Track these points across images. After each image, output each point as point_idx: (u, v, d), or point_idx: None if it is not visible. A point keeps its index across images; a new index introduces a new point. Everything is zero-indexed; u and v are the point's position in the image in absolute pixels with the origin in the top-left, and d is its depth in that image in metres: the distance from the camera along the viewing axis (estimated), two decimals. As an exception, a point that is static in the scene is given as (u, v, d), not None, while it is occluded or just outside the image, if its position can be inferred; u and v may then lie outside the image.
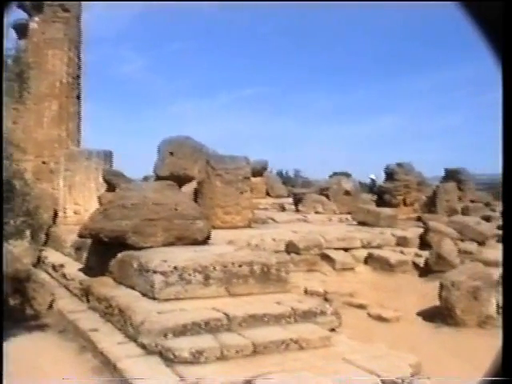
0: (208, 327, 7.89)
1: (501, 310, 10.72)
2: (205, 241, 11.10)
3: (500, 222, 21.54)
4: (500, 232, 19.83)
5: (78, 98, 22.77)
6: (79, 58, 22.84)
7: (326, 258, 14.85)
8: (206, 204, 16.13)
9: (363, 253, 15.53)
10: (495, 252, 16.74)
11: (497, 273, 11.69)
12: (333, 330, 8.96)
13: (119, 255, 10.36)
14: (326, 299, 11.44)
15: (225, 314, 8.23)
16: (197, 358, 7.13)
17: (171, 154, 20.80)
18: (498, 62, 2.20)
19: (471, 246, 16.63)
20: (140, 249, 10.13)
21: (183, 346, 7.26)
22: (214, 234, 12.10)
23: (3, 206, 8.24)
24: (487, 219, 21.93)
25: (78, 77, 22.81)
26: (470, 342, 9.64)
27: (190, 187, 18.45)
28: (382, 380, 6.93)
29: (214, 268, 9.30)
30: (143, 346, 7.61)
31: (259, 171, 28.24)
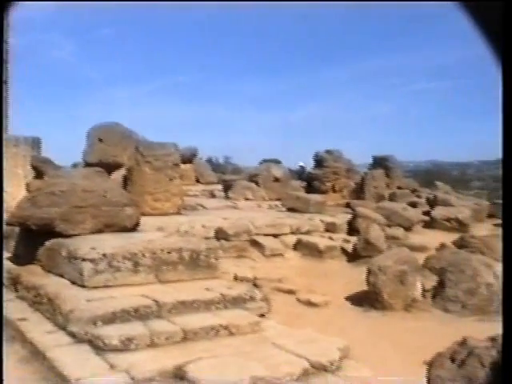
0: (138, 314, 7.83)
1: (426, 293, 11.00)
2: (134, 228, 10.99)
3: (425, 208, 22.11)
4: (425, 217, 20.37)
5: (5, 83, 22.15)
6: (5, 42, 22.16)
7: (256, 244, 14.90)
8: (136, 191, 15.94)
9: (292, 239, 15.64)
10: (421, 237, 17.18)
11: (422, 257, 11.98)
12: (262, 315, 9.01)
13: (48, 243, 10.15)
14: (255, 285, 11.48)
15: (154, 300, 8.18)
16: (127, 345, 7.07)
17: (100, 140, 20.45)
18: (497, 62, 2.20)
19: (398, 232, 16.97)
20: (69, 236, 9.95)
21: (113, 333, 7.19)
22: (144, 220, 11.99)
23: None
24: (413, 205, 22.44)
25: (4, 61, 22.14)
26: (397, 325, 9.83)
27: (119, 174, 18.21)
28: (311, 364, 7.00)
29: (144, 255, 9.23)
30: (73, 335, 7.49)
31: (189, 158, 28.09)
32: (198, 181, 29.75)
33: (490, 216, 23.02)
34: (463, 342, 3.29)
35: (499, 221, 21.60)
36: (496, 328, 3.61)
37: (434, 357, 3.37)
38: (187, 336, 7.52)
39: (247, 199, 23.77)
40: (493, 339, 3.20)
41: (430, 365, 3.32)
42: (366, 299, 11.00)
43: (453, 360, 3.23)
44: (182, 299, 8.37)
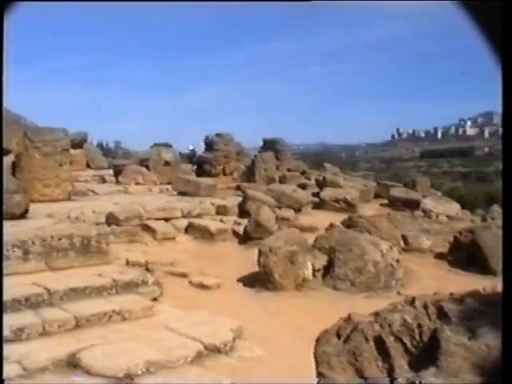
0: (29, 303, 7.68)
1: (316, 273, 11.28)
2: (23, 215, 10.74)
3: (314, 190, 22.56)
4: (314, 199, 20.80)
5: None
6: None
7: (147, 228, 14.80)
8: (24, 177, 15.48)
9: (184, 222, 15.64)
10: (310, 218, 17.55)
11: (312, 238, 12.26)
12: (155, 299, 9.02)
13: None
14: (147, 269, 11.42)
15: (46, 288, 8.04)
16: (18, 335, 6.95)
17: (-15, 125, 19.67)
18: (497, 62, 2.21)
19: (288, 213, 17.26)
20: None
21: (3, 324, 7.00)
22: (33, 207, 11.73)
23: None
24: (303, 187, 22.82)
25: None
26: (288, 305, 10.05)
27: (7, 160, 17.60)
28: (204, 346, 7.08)
29: (33, 242, 9.04)
30: (-41, 327, 7.24)
31: (79, 143, 27.55)
32: (88, 166, 29.23)
33: (377, 196, 23.75)
34: (348, 318, 3.45)
35: (385, 201, 22.39)
36: (382, 304, 3.78)
37: (320, 334, 3.50)
38: (80, 323, 7.45)
39: (138, 184, 23.57)
40: (376, 314, 3.37)
41: (317, 342, 3.45)
42: (258, 280, 11.16)
43: (339, 336, 3.38)
44: (73, 286, 8.27)
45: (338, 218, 15.30)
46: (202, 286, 11.16)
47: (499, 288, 3.68)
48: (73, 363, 6.31)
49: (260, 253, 11.14)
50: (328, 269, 11.34)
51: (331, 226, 13.22)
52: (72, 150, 19.20)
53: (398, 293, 10.60)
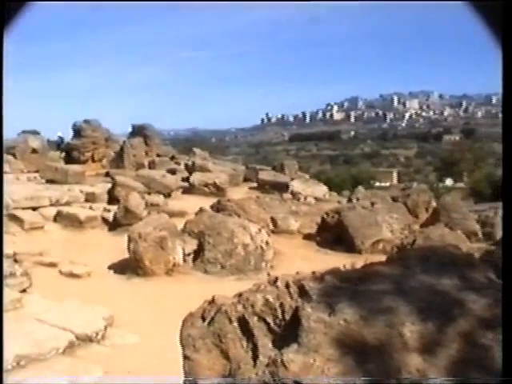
0: None
1: (186, 257, 11.40)
2: None
3: (184, 174, 22.65)
4: (184, 183, 20.89)
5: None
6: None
7: (14, 218, 14.39)
8: None
9: (52, 211, 15.33)
10: (180, 203, 17.63)
11: (182, 222, 12.35)
12: (24, 291, 8.83)
13: None
14: (15, 260, 11.13)
15: None
16: None
17: None
18: (499, 53, 2.28)
19: (158, 199, 17.28)
20: None
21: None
22: None
23: None
24: (173, 172, 22.86)
25: None
26: (159, 290, 10.09)
27: None
28: (76, 336, 7.04)
29: None
30: None
31: None
32: None
33: (246, 180, 24.13)
34: (212, 301, 3.52)
35: (254, 184, 22.80)
36: (250, 285, 3.91)
37: (185, 317, 3.58)
38: None
39: (4, 172, 22.78)
40: (239, 295, 3.48)
41: (183, 325, 3.52)
42: (129, 267, 11.13)
43: (203, 319, 3.45)
44: None
45: (207, 203, 15.43)
46: (72, 275, 11.00)
47: (358, 265, 3.93)
48: None
49: (129, 239, 11.10)
50: (198, 253, 11.46)
51: (201, 210, 13.36)
52: None
53: (268, 274, 10.83)
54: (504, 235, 2.70)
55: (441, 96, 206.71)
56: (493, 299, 3.17)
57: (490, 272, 3.54)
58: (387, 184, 58.89)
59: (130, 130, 31.02)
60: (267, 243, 11.89)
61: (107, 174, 22.70)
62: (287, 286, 3.43)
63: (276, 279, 3.57)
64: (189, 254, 11.43)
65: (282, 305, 3.32)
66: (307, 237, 14.60)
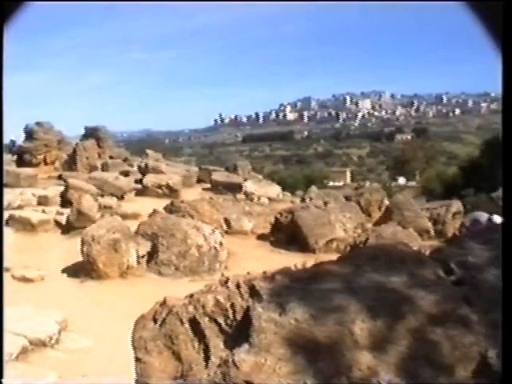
0: None
1: (140, 259, 11.38)
2: None
3: (137, 176, 22.57)
4: (137, 185, 20.83)
5: None
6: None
7: (-36, 222, 14.18)
8: None
9: (4, 215, 15.14)
10: (134, 205, 17.57)
11: (135, 224, 12.33)
12: (-27, 296, 8.72)
13: None
14: (-35, 266, 10.99)
15: None
16: None
17: None
18: (498, 61, 2.27)
19: (111, 201, 17.18)
20: None
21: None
22: None
23: None
24: (126, 174, 22.75)
25: None
26: (113, 292, 10.06)
27: None
28: (29, 341, 7.01)
29: None
30: None
31: None
32: None
33: (200, 181, 24.14)
34: (163, 302, 3.53)
35: (208, 185, 22.84)
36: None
37: (137, 319, 3.58)
38: None
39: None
40: (191, 296, 3.50)
41: (134, 327, 3.53)
42: (83, 270, 11.06)
43: (155, 320, 3.45)
44: None
45: (161, 204, 15.41)
46: (25, 280, 10.90)
47: (309, 264, 3.99)
48: None
49: (83, 242, 11.03)
50: (152, 255, 11.45)
51: (154, 212, 13.35)
52: None
53: (222, 275, 10.87)
54: (504, 234, 2.74)
55: (392, 96, 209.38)
56: (441, 295, 3.26)
57: (438, 269, 3.60)
58: (341, 183, 59.35)
59: (82, 132, 30.80)
60: (221, 244, 11.94)
61: (60, 177, 22.48)
62: (238, 286, 3.45)
63: (227, 280, 3.59)
64: (142, 256, 11.41)
65: (232, 305, 3.33)
66: (261, 237, 14.69)
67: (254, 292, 3.37)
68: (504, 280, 2.71)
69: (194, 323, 3.37)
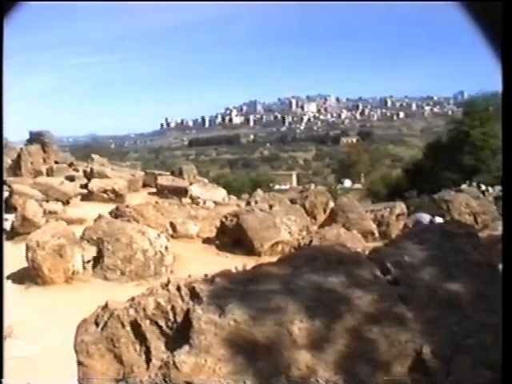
0: None
1: (86, 265, 11.37)
2: None
3: (83, 181, 22.42)
4: (83, 190, 20.69)
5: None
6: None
7: None
8: None
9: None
10: (79, 210, 17.47)
11: (81, 230, 12.29)
12: None
13: None
14: None
15: None
16: None
17: None
18: (497, 61, 2.27)
19: (56, 206, 17.06)
20: None
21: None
22: None
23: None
24: (71, 179, 22.55)
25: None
26: (59, 299, 9.99)
27: None
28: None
29: None
30: None
31: None
32: None
33: (146, 185, 24.10)
34: (105, 306, 3.52)
35: (154, 189, 22.83)
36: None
37: (79, 323, 3.66)
38: None
39: None
40: (132, 299, 3.51)
41: (76, 332, 3.55)
42: (27, 276, 10.95)
43: (97, 324, 3.46)
44: None
45: (106, 209, 15.35)
46: (-33, 287, 10.78)
47: (249, 266, 4.09)
48: None
49: (27, 248, 10.92)
50: (98, 260, 11.41)
51: (99, 217, 13.33)
52: None
53: (168, 279, 10.95)
54: (504, 235, 2.69)
55: (338, 99, 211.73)
56: (377, 295, 3.36)
57: (375, 269, 3.71)
58: (287, 187, 59.72)
59: (27, 136, 30.41)
60: (166, 248, 11.96)
61: (4, 183, 22.17)
62: (178, 288, 3.51)
63: (168, 282, 3.65)
64: (88, 262, 11.39)
65: (173, 308, 3.39)
66: (207, 241, 14.76)
67: (194, 294, 3.42)
68: (504, 280, 2.71)
69: (136, 326, 3.42)
